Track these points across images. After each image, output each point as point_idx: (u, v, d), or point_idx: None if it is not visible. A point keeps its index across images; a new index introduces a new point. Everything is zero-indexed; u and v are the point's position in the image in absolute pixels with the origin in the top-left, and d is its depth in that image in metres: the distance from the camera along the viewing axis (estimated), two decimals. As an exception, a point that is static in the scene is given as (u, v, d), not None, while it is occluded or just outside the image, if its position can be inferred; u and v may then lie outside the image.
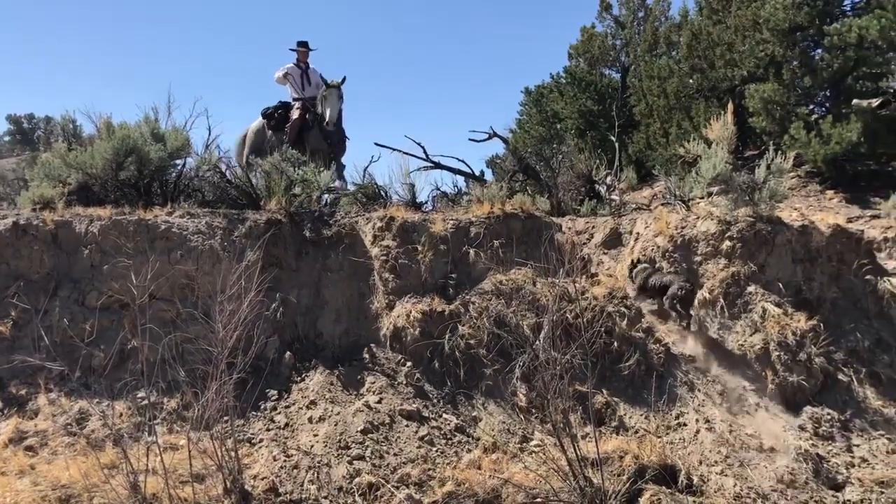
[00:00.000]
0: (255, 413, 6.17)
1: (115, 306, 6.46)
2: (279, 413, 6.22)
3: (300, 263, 7.33)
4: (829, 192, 11.72)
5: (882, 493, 6.22)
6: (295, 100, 11.32)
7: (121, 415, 5.80)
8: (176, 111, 9.66)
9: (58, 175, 7.70)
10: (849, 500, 6.16)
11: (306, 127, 11.00)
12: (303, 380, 6.56)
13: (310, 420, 6.11)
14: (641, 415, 6.77)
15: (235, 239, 7.00)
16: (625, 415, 6.74)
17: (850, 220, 9.48)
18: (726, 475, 6.16)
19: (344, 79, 10.85)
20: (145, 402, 5.68)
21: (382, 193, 8.58)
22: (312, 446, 5.77)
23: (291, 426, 6.08)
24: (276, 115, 11.39)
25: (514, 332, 5.67)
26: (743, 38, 13.06)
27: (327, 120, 10.50)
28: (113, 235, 6.68)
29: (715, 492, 5.95)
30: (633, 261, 8.38)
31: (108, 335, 6.19)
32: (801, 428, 6.80)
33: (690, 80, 14.69)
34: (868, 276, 8.02)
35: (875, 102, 12.84)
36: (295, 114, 11.07)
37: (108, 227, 6.76)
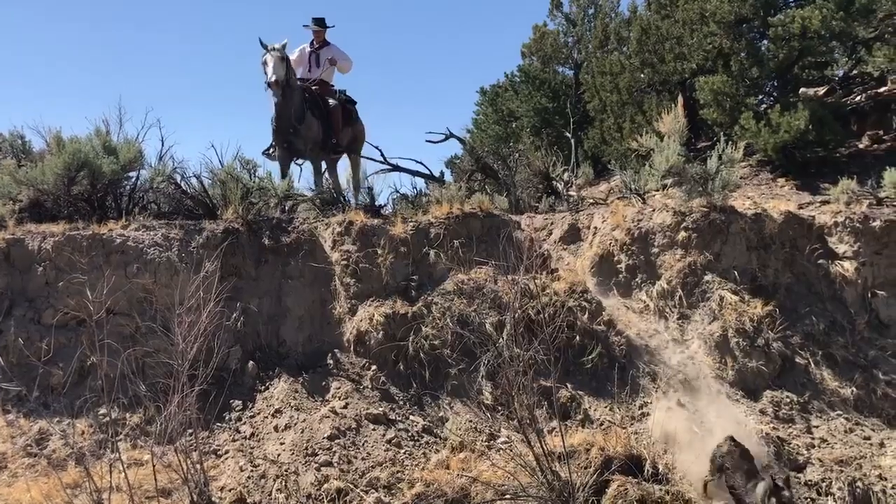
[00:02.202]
0: (219, 424, 6.12)
1: (72, 323, 6.34)
2: (244, 423, 6.18)
3: (260, 272, 7.28)
4: (781, 180, 11.96)
5: (842, 471, 6.38)
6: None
7: (82, 433, 5.70)
8: (128, 123, 9.45)
9: (8, 192, 7.54)
10: (810, 481, 6.31)
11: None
12: (267, 388, 6.52)
13: (275, 428, 6.07)
14: (606, 407, 6.85)
15: (193, 250, 6.92)
16: (589, 408, 6.81)
17: (801, 207, 9.69)
18: (691, 462, 6.26)
19: (285, 44, 8.73)
20: (107, 418, 5.59)
21: (341, 198, 8.55)
22: (279, 455, 5.74)
23: (257, 436, 6.04)
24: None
25: (478, 331, 5.70)
26: (691, 32, 13.26)
27: (267, 79, 8.43)
28: (67, 251, 6.57)
29: (680, 479, 6.05)
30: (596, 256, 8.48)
31: (65, 353, 6.08)
32: (762, 412, 6.95)
33: (642, 75, 14.87)
34: (820, 261, 8.22)
35: (821, 91, 13.15)
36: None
37: (61, 244, 6.65)
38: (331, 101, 9.65)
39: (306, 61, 9.69)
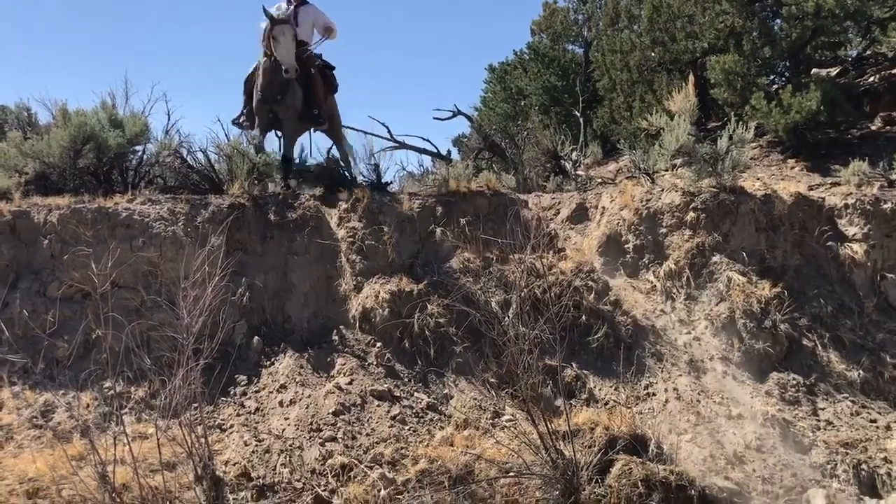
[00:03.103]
0: (224, 399, 6.12)
1: (77, 296, 6.35)
2: (249, 398, 6.19)
3: (265, 247, 7.26)
4: (791, 161, 11.86)
5: (847, 454, 6.37)
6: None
7: (87, 406, 5.72)
8: (134, 97, 9.46)
9: (14, 165, 7.52)
10: (815, 463, 6.29)
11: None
12: (272, 364, 6.52)
13: (280, 404, 6.08)
14: (611, 386, 6.84)
15: (198, 224, 6.91)
16: (594, 387, 6.80)
17: (811, 188, 9.61)
18: (696, 443, 6.26)
19: (290, 14, 8.29)
20: (112, 391, 5.61)
21: (347, 175, 8.50)
22: (284, 430, 5.74)
23: (262, 411, 6.04)
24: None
25: (483, 310, 5.68)
26: (703, 10, 13.09)
27: (285, 66, 7.86)
28: (72, 224, 6.56)
29: (685, 459, 6.04)
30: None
31: (71, 325, 6.08)
32: (768, 394, 6.93)
33: (652, 54, 14.71)
34: (830, 243, 8.16)
35: (833, 71, 13.00)
36: (250, 69, 8.70)
37: (67, 217, 6.64)
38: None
39: None
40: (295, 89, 8.23)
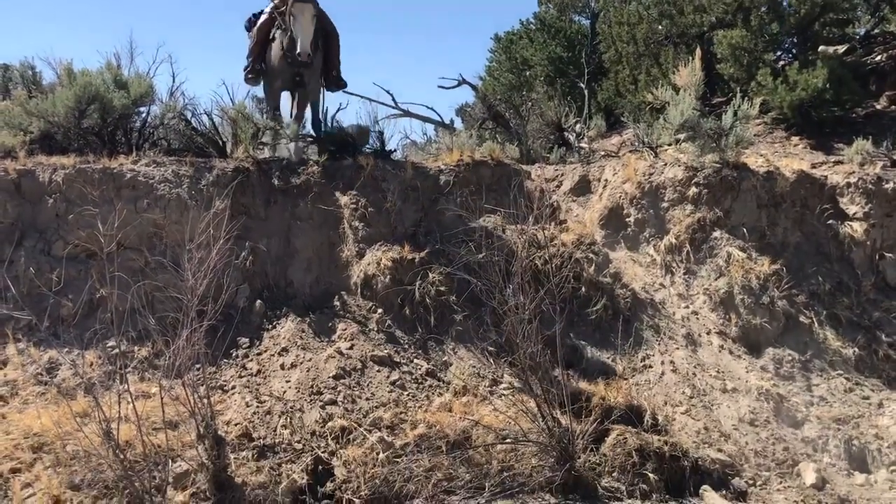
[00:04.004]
0: (226, 361, 6.20)
1: (82, 256, 6.39)
2: (251, 360, 6.26)
3: (269, 212, 7.29)
4: (795, 139, 11.83)
5: (839, 429, 6.46)
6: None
7: (91, 364, 5.79)
8: (139, 57, 9.41)
9: (18, 123, 7.52)
10: (807, 437, 6.39)
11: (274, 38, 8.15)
12: (274, 327, 6.59)
13: (282, 367, 6.15)
14: (609, 358, 6.92)
15: (203, 187, 6.93)
16: (592, 358, 6.87)
17: (814, 166, 9.61)
18: (690, 415, 6.35)
19: None
20: (116, 350, 5.67)
21: (351, 141, 8.50)
22: (285, 392, 5.82)
23: (263, 373, 6.12)
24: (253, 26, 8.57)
25: (484, 279, 5.72)
26: (712, -16, 12.99)
27: (299, 50, 7.56)
28: (78, 184, 6.58)
29: (679, 430, 6.13)
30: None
31: (75, 285, 6.13)
32: (763, 368, 7.01)
33: (659, 27, 14.60)
34: (830, 221, 8.19)
35: (841, 49, 12.93)
36: (264, 16, 8.31)
37: (72, 176, 6.66)
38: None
39: None
40: (319, 50, 8.04)
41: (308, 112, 8.55)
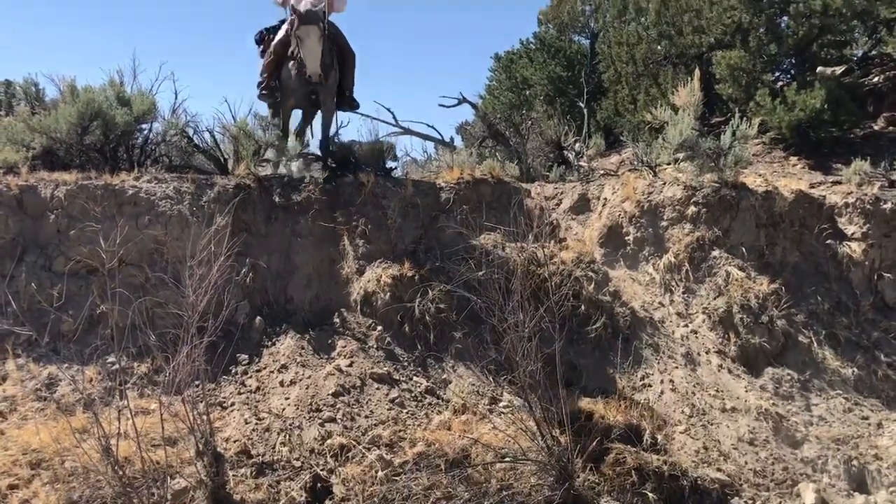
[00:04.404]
0: (225, 377, 6.20)
1: (83, 271, 6.41)
2: (250, 377, 6.26)
3: (270, 229, 7.31)
4: (793, 159, 11.90)
5: (838, 449, 6.45)
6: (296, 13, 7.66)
7: (91, 380, 5.79)
8: (142, 75, 9.44)
9: (21, 139, 7.56)
10: (807, 457, 6.38)
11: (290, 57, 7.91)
12: (273, 344, 6.59)
13: (281, 384, 6.15)
14: (608, 376, 6.91)
15: (204, 204, 6.96)
16: (591, 376, 6.87)
17: (812, 186, 9.65)
18: (689, 434, 6.34)
19: (322, 7, 7.57)
20: (115, 366, 5.67)
21: (352, 159, 8.54)
22: (284, 409, 5.82)
23: (263, 390, 6.12)
24: (263, 40, 8.53)
25: (484, 297, 5.73)
26: (710, 5, 13.08)
27: (309, 72, 7.48)
28: (80, 200, 6.61)
29: (678, 450, 6.12)
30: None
31: (76, 300, 6.14)
32: (762, 388, 7.01)
33: (659, 47, 14.71)
34: (829, 241, 8.22)
35: (839, 70, 13.02)
36: (280, 34, 8.09)
37: (74, 192, 6.69)
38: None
39: None
40: (335, 69, 7.90)
41: (318, 130, 8.45)
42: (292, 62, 7.82)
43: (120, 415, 4.60)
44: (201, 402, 5.11)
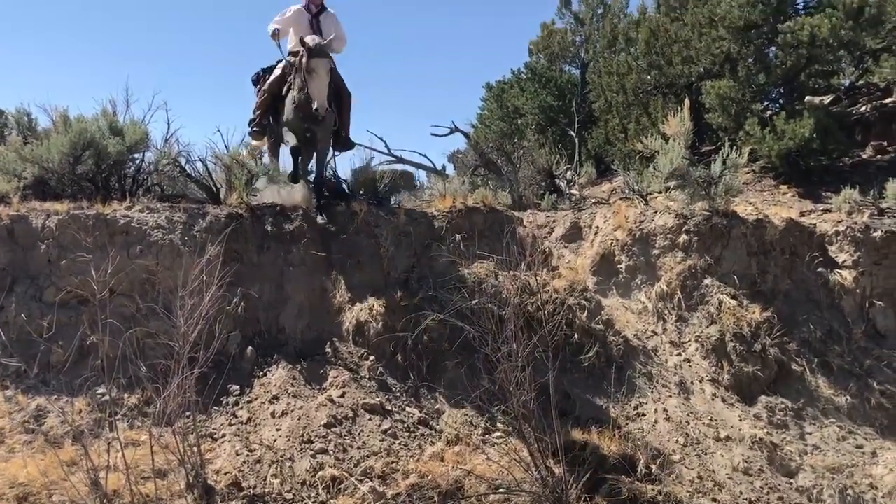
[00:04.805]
0: (216, 408, 6.13)
1: (74, 302, 6.35)
2: (241, 408, 6.20)
3: (262, 258, 7.29)
4: (783, 187, 12.00)
5: (833, 478, 6.43)
6: (291, 54, 7.97)
7: (80, 411, 5.72)
8: (134, 104, 9.50)
9: (12, 169, 7.54)
10: (802, 487, 6.35)
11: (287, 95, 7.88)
12: (265, 375, 6.54)
13: (272, 415, 6.10)
14: (602, 406, 6.88)
15: (196, 233, 6.94)
16: (585, 405, 6.84)
17: (802, 214, 9.72)
18: (684, 464, 6.30)
19: (330, 40, 7.64)
20: (105, 398, 5.61)
21: (344, 188, 8.56)
22: (275, 441, 5.76)
23: (254, 421, 6.06)
24: (260, 80, 8.47)
25: (477, 326, 5.72)
26: (700, 36, 13.27)
27: (316, 105, 7.28)
28: (71, 230, 6.57)
29: (673, 480, 6.08)
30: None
31: (66, 331, 6.09)
32: (756, 417, 6.99)
33: (648, 77, 14.89)
34: (820, 269, 8.26)
35: (827, 99, 13.18)
36: (277, 72, 8.11)
37: (65, 222, 6.66)
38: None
39: (307, 28, 8.01)
40: (332, 108, 7.79)
41: (313, 166, 8.35)
42: (289, 99, 7.75)
43: (109, 447, 4.56)
44: (192, 433, 5.07)
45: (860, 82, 14.92)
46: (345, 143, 8.34)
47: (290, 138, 7.97)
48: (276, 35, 7.91)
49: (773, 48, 12.77)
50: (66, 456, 4.97)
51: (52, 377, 5.86)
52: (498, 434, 6.27)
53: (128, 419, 5.83)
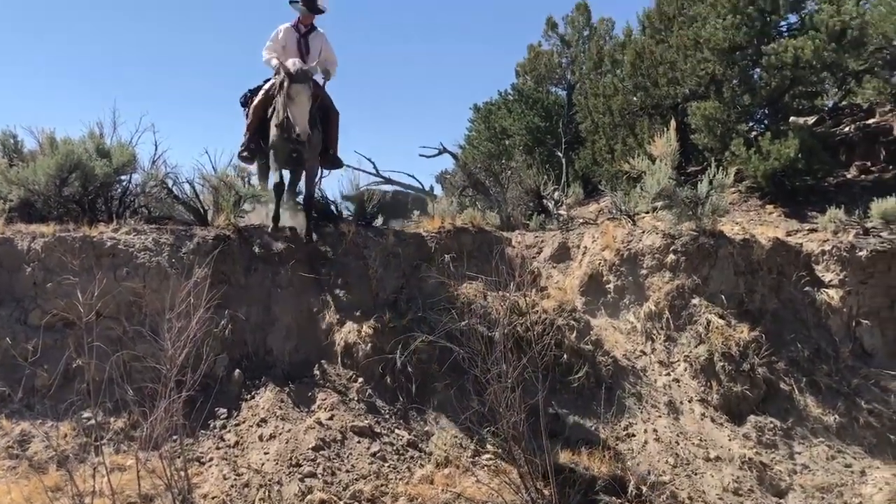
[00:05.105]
0: (204, 432, 6.07)
1: (60, 325, 6.29)
2: (229, 431, 6.14)
3: (249, 280, 7.25)
4: (769, 207, 12.08)
5: (823, 498, 6.43)
6: (276, 73, 7.80)
7: (65, 436, 5.65)
8: (121, 126, 9.44)
9: (-2, 191, 7.50)
10: (791, 507, 6.34)
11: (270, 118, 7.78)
12: (253, 397, 6.48)
13: (260, 438, 6.04)
14: (591, 426, 6.86)
15: (183, 255, 6.90)
16: (575, 426, 6.81)
17: (789, 234, 9.78)
18: (674, 485, 6.28)
19: (315, 65, 7.67)
20: (91, 422, 5.55)
21: (333, 209, 8.55)
22: (263, 464, 5.71)
23: (242, 444, 6.00)
24: (248, 102, 8.35)
25: (466, 347, 5.70)
26: (685, 58, 13.38)
27: (298, 131, 7.23)
28: (57, 252, 6.53)
29: (664, 501, 6.06)
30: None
31: (52, 354, 6.03)
32: (746, 437, 6.99)
33: (634, 98, 14.99)
34: (807, 288, 8.30)
35: (811, 120, 13.32)
36: (260, 95, 8.01)
37: (51, 244, 6.61)
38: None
39: (295, 48, 7.97)
40: (319, 129, 7.75)
41: (302, 187, 8.24)
42: (274, 121, 7.67)
43: (95, 472, 4.51)
44: (179, 457, 5.01)
45: (843, 103, 15.10)
46: (333, 162, 8.31)
47: (274, 176, 7.89)
48: (270, 58, 7.85)
49: (758, 70, 12.89)
50: (51, 481, 4.91)
51: (36, 401, 5.80)
52: (488, 456, 6.24)
53: (114, 443, 5.77)
